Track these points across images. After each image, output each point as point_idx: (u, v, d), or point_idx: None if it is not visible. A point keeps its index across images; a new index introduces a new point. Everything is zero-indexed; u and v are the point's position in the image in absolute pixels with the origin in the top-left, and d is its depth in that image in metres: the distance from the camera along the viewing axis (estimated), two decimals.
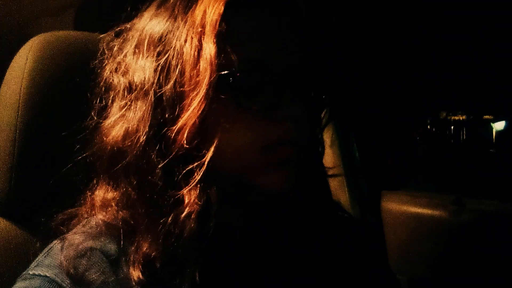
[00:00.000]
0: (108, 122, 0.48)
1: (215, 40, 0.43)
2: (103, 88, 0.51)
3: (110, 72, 0.50)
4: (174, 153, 0.43)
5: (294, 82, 0.47)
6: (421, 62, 1.70)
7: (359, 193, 1.41)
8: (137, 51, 0.48)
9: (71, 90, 0.58)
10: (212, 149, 0.43)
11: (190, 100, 0.43)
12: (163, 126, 0.44)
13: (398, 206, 1.38)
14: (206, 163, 0.43)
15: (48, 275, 0.43)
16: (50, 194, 0.54)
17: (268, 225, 0.53)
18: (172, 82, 0.44)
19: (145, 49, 0.47)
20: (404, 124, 1.79)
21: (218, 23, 0.43)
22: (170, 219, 0.43)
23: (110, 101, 0.49)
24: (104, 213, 0.47)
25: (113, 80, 0.49)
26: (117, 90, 0.48)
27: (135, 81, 0.46)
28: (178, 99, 0.44)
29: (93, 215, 0.49)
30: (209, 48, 0.42)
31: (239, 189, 0.47)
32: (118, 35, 0.53)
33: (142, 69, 0.46)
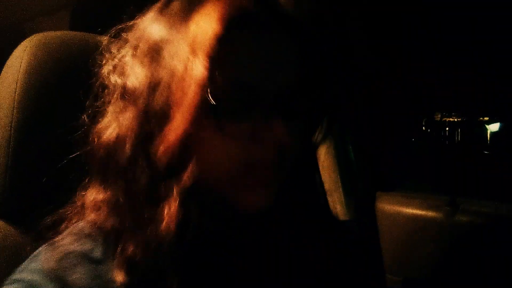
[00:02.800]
0: (102, 123, 0.48)
1: (205, 59, 0.41)
2: (100, 88, 0.50)
3: (108, 72, 0.50)
4: (156, 166, 0.43)
5: (285, 104, 0.46)
6: (417, 63, 1.71)
7: (354, 194, 1.41)
8: (134, 54, 0.47)
9: (66, 90, 0.58)
10: (190, 168, 0.43)
11: (173, 117, 0.43)
12: (148, 139, 0.44)
13: (393, 207, 1.38)
14: (183, 180, 0.43)
15: (31, 279, 0.42)
16: (45, 194, 0.54)
17: (266, 226, 0.53)
18: (159, 95, 0.44)
19: (140, 54, 0.46)
20: (399, 125, 1.80)
21: (211, 42, 0.42)
22: (149, 229, 0.43)
23: (105, 102, 0.49)
24: (95, 214, 0.48)
25: (109, 81, 0.49)
26: (112, 92, 0.48)
27: (129, 86, 0.46)
28: (163, 113, 0.43)
29: (83, 216, 0.49)
30: (198, 67, 0.41)
31: (219, 206, 0.47)
32: (118, 35, 0.52)
33: (135, 75, 0.46)
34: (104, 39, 0.53)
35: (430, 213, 1.30)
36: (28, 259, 0.46)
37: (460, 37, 1.52)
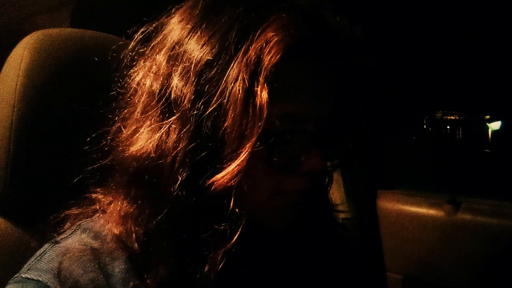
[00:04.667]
0: (129, 131, 0.46)
1: (266, 88, 0.39)
2: (131, 94, 0.48)
3: (143, 78, 0.46)
4: (206, 203, 0.41)
5: (324, 135, 0.46)
6: (418, 61, 1.70)
7: (355, 192, 1.41)
8: (172, 64, 0.44)
9: (66, 87, 0.58)
10: (247, 209, 0.41)
11: (231, 151, 0.40)
12: (200, 169, 0.41)
13: (394, 205, 1.38)
14: (241, 226, 0.41)
15: (41, 279, 0.42)
16: (45, 192, 0.54)
17: (284, 239, 0.53)
18: (213, 117, 0.41)
19: (183, 67, 0.43)
20: (400, 123, 1.80)
21: (270, 70, 0.39)
22: (189, 268, 0.42)
23: (136, 108, 0.46)
24: (118, 227, 0.46)
25: (144, 87, 0.46)
26: (149, 100, 0.45)
27: (172, 99, 0.43)
28: (219, 139, 0.41)
29: (102, 223, 0.47)
30: (262, 99, 0.39)
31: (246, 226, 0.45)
32: (143, 36, 0.49)
33: (180, 89, 0.42)
34: (120, 40, 0.52)
35: (431, 211, 1.30)
36: (34, 257, 0.45)
37: (461, 35, 1.52)
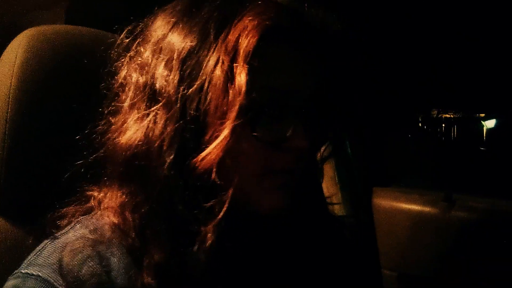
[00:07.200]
0: (118, 123, 0.47)
1: (246, 67, 0.42)
2: (118, 86, 0.49)
3: (129, 71, 0.49)
4: (194, 182, 0.43)
5: (307, 111, 0.48)
6: (414, 59, 1.71)
7: (350, 189, 1.41)
8: (157, 57, 0.46)
9: (61, 83, 0.58)
10: (233, 185, 0.43)
11: (214, 130, 0.43)
12: (186, 148, 0.44)
13: (390, 203, 1.39)
14: (227, 200, 0.43)
15: (40, 274, 0.42)
16: (41, 188, 0.54)
17: (281, 228, 0.54)
18: (196, 101, 0.43)
19: (167, 57, 0.46)
20: (396, 121, 1.80)
21: (249, 52, 0.42)
22: (183, 245, 0.43)
23: (123, 101, 0.48)
24: (115, 217, 0.47)
25: (131, 80, 0.48)
26: (135, 92, 0.47)
27: (157, 88, 0.45)
28: (201, 121, 0.43)
29: (99, 216, 0.48)
30: (241, 78, 0.42)
31: (238, 207, 0.46)
32: (131, 33, 0.51)
33: (164, 78, 0.45)
34: (115, 37, 0.52)
35: (426, 209, 1.30)
36: (33, 253, 0.46)
37: (457, 34, 1.53)
